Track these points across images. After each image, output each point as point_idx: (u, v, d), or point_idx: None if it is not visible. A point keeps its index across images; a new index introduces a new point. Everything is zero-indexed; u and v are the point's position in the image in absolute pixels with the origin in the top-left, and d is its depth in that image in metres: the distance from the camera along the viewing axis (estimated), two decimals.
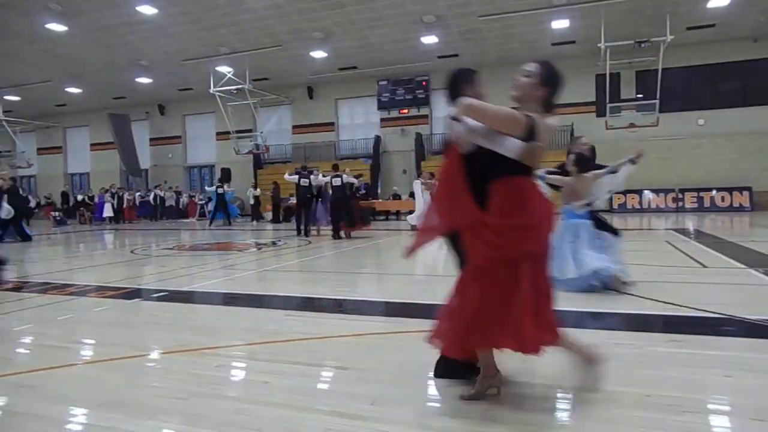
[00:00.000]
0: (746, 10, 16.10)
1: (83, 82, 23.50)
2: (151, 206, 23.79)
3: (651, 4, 15.68)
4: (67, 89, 24.55)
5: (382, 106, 23.32)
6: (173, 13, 16.50)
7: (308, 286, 6.32)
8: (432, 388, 2.80)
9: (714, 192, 18.37)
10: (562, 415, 2.43)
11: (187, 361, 3.28)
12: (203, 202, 23.33)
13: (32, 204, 23.79)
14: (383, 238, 12.32)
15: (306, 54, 20.07)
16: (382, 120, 23.61)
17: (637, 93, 19.39)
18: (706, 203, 18.46)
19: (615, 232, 5.33)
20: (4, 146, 27.59)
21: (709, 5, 15.86)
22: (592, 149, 5.57)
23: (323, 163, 21.67)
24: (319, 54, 20.11)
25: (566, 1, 15.69)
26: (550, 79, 2.44)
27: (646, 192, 18.80)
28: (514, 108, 2.42)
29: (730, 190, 18.22)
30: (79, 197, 23.96)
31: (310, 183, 12.79)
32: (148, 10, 16.05)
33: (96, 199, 22.83)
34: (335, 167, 12.38)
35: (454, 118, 2.45)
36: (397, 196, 20.39)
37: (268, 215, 21.01)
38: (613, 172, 5.22)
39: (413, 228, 13.80)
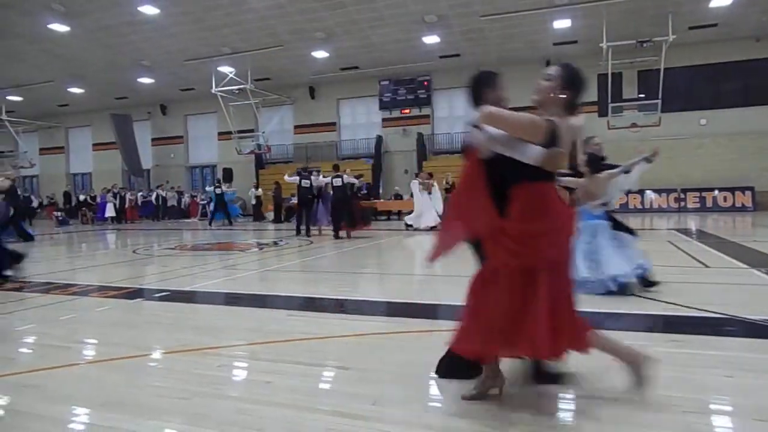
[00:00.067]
0: (748, 9, 16.07)
1: (85, 82, 23.54)
2: (153, 206, 23.82)
3: (653, 3, 15.65)
4: (69, 89, 24.59)
5: (383, 106, 23.32)
6: (175, 13, 16.52)
7: (310, 286, 6.32)
8: (434, 388, 2.80)
9: (716, 192, 18.34)
10: (564, 415, 2.44)
11: (189, 361, 3.29)
12: (205, 202, 23.35)
13: (35, 204, 23.85)
14: (384, 238, 12.32)
15: (308, 54, 20.08)
16: (383, 120, 23.61)
17: (639, 93, 19.36)
18: (708, 203, 18.43)
19: (631, 232, 5.22)
20: (6, 146, 27.67)
21: (712, 5, 15.82)
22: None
23: (325, 163, 21.75)
24: (320, 54, 20.12)
25: (568, 0, 15.67)
26: (571, 82, 2.43)
27: (648, 192, 18.77)
28: (535, 112, 2.42)
29: (732, 190, 18.18)
30: (82, 197, 24.00)
31: (311, 183, 12.84)
32: (149, 10, 16.07)
33: (98, 199, 22.87)
34: (336, 168, 12.45)
35: (475, 126, 2.44)
36: (398, 196, 20.39)
37: (270, 215, 21.04)
38: (627, 171, 5.12)
39: (408, 227, 13.80)
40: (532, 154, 2.34)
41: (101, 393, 2.77)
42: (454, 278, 6.45)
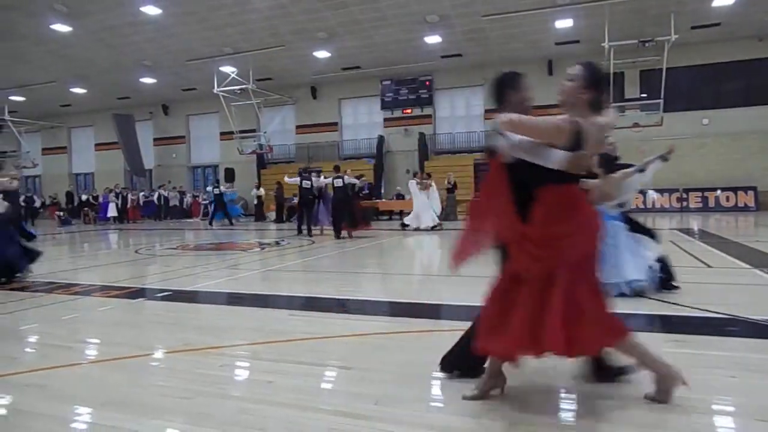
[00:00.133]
0: (751, 9, 16.02)
1: (88, 83, 23.58)
2: (155, 206, 23.85)
3: (655, 3, 15.63)
4: (71, 90, 24.64)
5: (385, 106, 23.31)
6: (177, 14, 16.54)
7: (312, 286, 6.32)
8: (436, 388, 2.80)
9: (718, 192, 18.29)
10: (566, 415, 2.43)
11: (191, 361, 3.29)
12: (207, 202, 23.38)
13: (37, 204, 23.90)
14: (386, 238, 12.32)
15: (310, 54, 20.09)
16: (385, 120, 23.60)
17: (641, 92, 19.32)
18: (711, 203, 18.39)
19: (652, 235, 5.03)
20: (9, 146, 27.73)
21: (714, 4, 15.78)
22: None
23: (326, 163, 21.77)
24: (322, 54, 20.12)
25: (570, 0, 15.65)
26: (594, 81, 2.42)
27: (650, 192, 18.72)
28: (559, 113, 2.41)
29: (734, 189, 18.14)
30: (84, 197, 24.06)
31: (311, 184, 12.92)
32: (152, 10, 16.09)
33: (100, 199, 22.91)
34: (337, 169, 12.54)
35: (497, 132, 2.43)
36: (400, 196, 20.38)
37: (272, 215, 21.05)
38: (641, 170, 4.99)
39: (404, 227, 13.79)
40: (556, 158, 2.32)
41: (103, 392, 2.77)
42: (455, 278, 6.44)
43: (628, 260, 4.68)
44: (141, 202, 23.72)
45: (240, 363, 3.33)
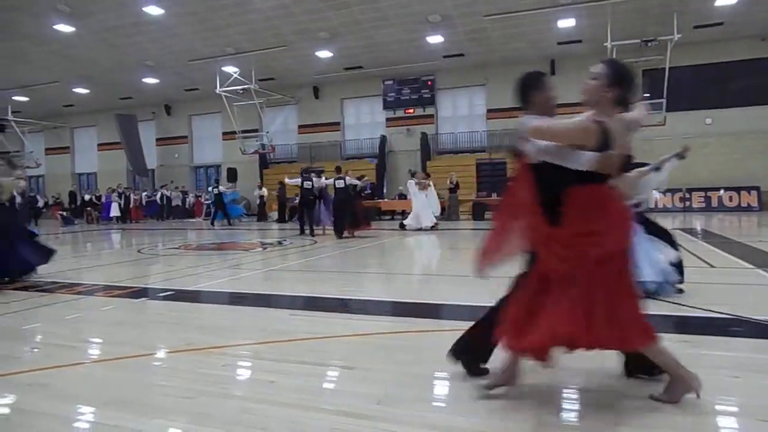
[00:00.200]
0: (754, 8, 15.98)
1: (91, 83, 23.65)
2: (157, 206, 23.90)
3: (658, 2, 15.59)
4: (74, 90, 24.71)
5: (387, 106, 23.31)
6: (179, 14, 16.57)
7: (314, 285, 6.32)
8: (438, 388, 2.80)
9: (722, 192, 18.24)
10: (569, 416, 2.43)
11: (193, 361, 3.30)
12: (209, 201, 23.42)
13: (40, 204, 23.97)
14: (388, 237, 12.32)
15: (312, 54, 20.10)
16: (387, 120, 23.60)
17: (643, 92, 19.28)
18: (714, 203, 18.34)
19: (670, 237, 4.88)
20: (13, 146, 27.80)
21: (717, 3, 15.74)
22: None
23: (329, 163, 21.77)
24: (324, 54, 20.14)
25: (572, 0, 15.63)
26: (618, 78, 2.40)
27: (653, 192, 18.67)
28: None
29: (737, 189, 18.08)
30: (87, 197, 24.12)
31: (312, 185, 13.02)
32: (154, 10, 16.12)
33: (103, 199, 22.97)
34: (338, 169, 12.65)
35: (523, 138, 2.43)
36: (402, 196, 20.38)
37: (274, 215, 21.08)
38: (657, 169, 4.87)
39: (402, 227, 13.78)
40: (584, 160, 2.32)
41: (106, 392, 2.78)
42: (457, 278, 6.45)
43: (642, 262, 4.57)
44: (143, 202, 23.77)
45: (242, 363, 3.34)
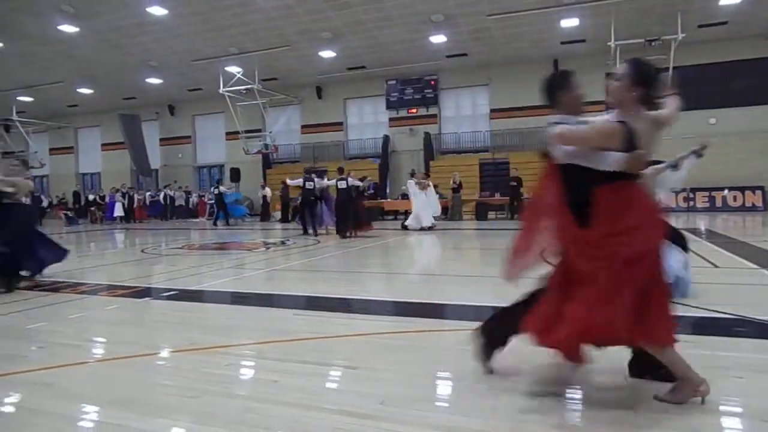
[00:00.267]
0: (758, 7, 15.91)
1: (94, 83, 23.72)
2: (161, 206, 23.96)
3: (662, 2, 15.54)
4: (78, 90, 24.79)
5: (390, 106, 23.31)
6: (183, 14, 16.60)
7: (317, 285, 6.33)
8: (441, 388, 2.80)
9: (726, 191, 18.17)
10: (572, 416, 2.42)
11: (196, 360, 3.31)
12: (212, 201, 23.48)
13: (44, 204, 24.07)
14: (391, 237, 12.32)
15: (315, 54, 20.12)
16: (390, 120, 23.60)
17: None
18: (718, 203, 18.27)
19: (682, 241, 4.76)
20: (17, 146, 27.93)
21: (721, 3, 15.68)
22: None
23: (332, 163, 21.81)
24: (327, 54, 20.14)
25: None
26: (641, 77, 2.40)
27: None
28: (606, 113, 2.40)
29: (742, 189, 18.01)
30: (91, 197, 24.20)
31: (314, 185, 13.17)
32: (158, 11, 16.15)
33: (107, 199, 23.04)
34: (340, 170, 12.79)
35: (551, 140, 2.43)
36: (405, 196, 20.37)
37: (277, 215, 21.11)
38: (674, 166, 4.72)
39: (405, 228, 13.78)
40: (611, 161, 2.31)
41: (110, 391, 2.79)
42: (460, 278, 6.45)
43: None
44: (147, 202, 23.83)
45: (245, 362, 3.34)
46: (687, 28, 16.04)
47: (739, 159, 18.37)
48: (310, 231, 13.05)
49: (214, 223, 18.79)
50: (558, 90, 2.56)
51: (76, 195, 27.15)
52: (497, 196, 18.49)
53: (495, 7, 16.10)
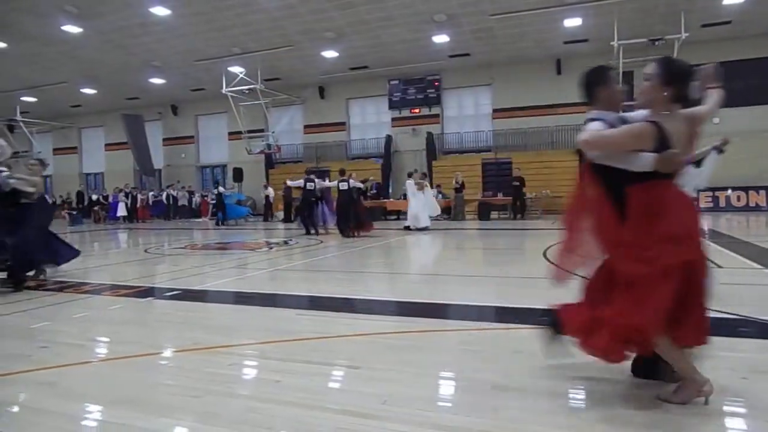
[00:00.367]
0: (762, 6, 15.85)
1: (98, 83, 23.79)
2: (164, 206, 24.00)
3: (665, 1, 15.51)
4: (82, 90, 24.86)
5: (393, 106, 23.30)
6: (186, 14, 16.63)
7: (320, 285, 6.34)
8: (444, 387, 2.80)
9: (729, 191, 18.10)
10: (574, 416, 2.42)
11: (199, 360, 3.31)
12: (215, 201, 23.51)
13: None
14: (393, 237, 12.32)
15: (317, 54, 20.13)
16: (393, 119, 23.59)
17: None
18: (722, 203, 18.20)
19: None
20: (21, 146, 28.01)
21: (725, 2, 15.64)
22: None
23: (334, 163, 21.82)
24: (330, 54, 20.15)
25: None
26: (672, 76, 2.38)
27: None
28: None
29: (745, 189, 17.95)
30: (94, 197, 24.27)
31: (315, 186, 13.38)
32: (161, 11, 16.20)
33: (110, 199, 23.10)
34: (342, 172, 12.99)
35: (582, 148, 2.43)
36: (406, 196, 20.38)
37: (280, 215, 21.14)
38: (696, 163, 4.49)
39: (407, 228, 13.79)
40: (642, 162, 2.30)
41: (113, 390, 2.80)
42: (463, 278, 6.44)
43: None
44: (150, 202, 23.88)
45: (248, 362, 3.35)
46: (690, 27, 16.00)
47: (743, 159, 18.27)
48: (312, 231, 13.17)
49: (217, 223, 18.87)
50: (596, 85, 2.55)
51: (80, 195, 27.22)
52: (500, 196, 18.46)
53: (497, 7, 16.08)
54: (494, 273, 6.90)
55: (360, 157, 23.61)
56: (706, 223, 13.81)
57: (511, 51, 19.73)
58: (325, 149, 24.40)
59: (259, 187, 22.79)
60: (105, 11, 16.11)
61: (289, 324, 4.22)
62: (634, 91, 2.82)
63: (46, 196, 6.99)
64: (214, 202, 23.30)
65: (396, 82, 22.91)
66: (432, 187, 19.00)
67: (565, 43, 18.88)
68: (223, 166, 27.34)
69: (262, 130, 23.60)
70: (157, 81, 23.43)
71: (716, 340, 3.41)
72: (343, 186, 12.55)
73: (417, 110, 23.05)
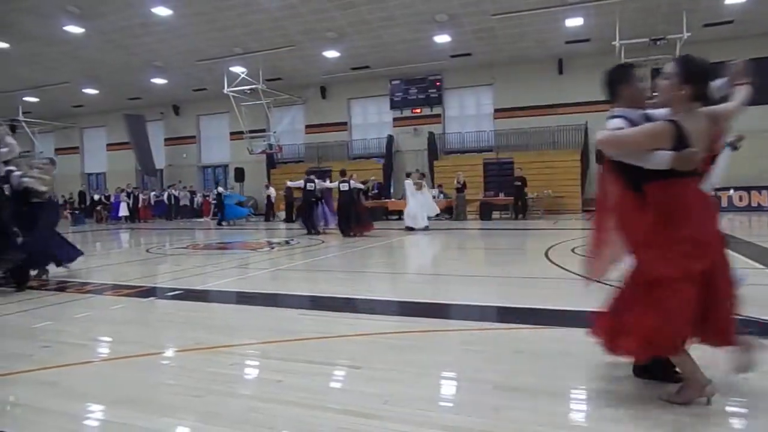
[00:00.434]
0: (764, 6, 15.82)
1: (100, 83, 23.83)
2: (165, 206, 24.04)
3: (667, 1, 15.48)
4: (84, 90, 24.91)
5: (394, 106, 23.30)
6: (187, 14, 16.65)
7: (321, 285, 6.34)
8: (445, 387, 2.80)
9: (731, 191, 18.04)
10: (576, 415, 2.42)
11: (201, 359, 3.31)
12: (215, 201, 23.53)
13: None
14: (395, 237, 12.32)
15: (319, 54, 20.14)
16: (394, 119, 23.59)
17: (652, 91, 19.14)
18: (724, 203, 18.13)
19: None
20: (23, 147, 28.01)
21: (727, 2, 15.61)
22: None
23: (336, 163, 21.82)
24: (331, 54, 20.16)
25: None
26: (690, 75, 2.37)
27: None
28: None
29: (748, 189, 17.91)
30: (96, 197, 24.30)
31: (315, 186, 13.50)
32: (162, 11, 16.22)
33: (112, 199, 23.14)
34: (343, 173, 13.09)
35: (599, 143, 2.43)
36: None
37: (281, 215, 21.15)
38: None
39: (408, 228, 13.79)
40: (658, 160, 2.29)
41: (115, 390, 2.80)
42: (465, 278, 6.44)
43: None
44: (152, 202, 23.92)
45: (250, 362, 3.35)
46: (692, 27, 15.97)
47: (746, 159, 18.10)
48: (313, 231, 13.26)
49: (218, 223, 18.91)
50: (619, 83, 2.54)
51: (82, 195, 27.26)
52: (501, 195, 18.45)
53: (499, 7, 16.07)
54: (496, 273, 6.90)
55: (361, 157, 23.61)
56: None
57: (512, 51, 19.71)
58: (326, 149, 24.41)
59: (260, 187, 22.80)
60: (107, 11, 16.13)
61: (290, 324, 4.22)
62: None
63: (52, 196, 7.01)
64: (215, 201, 23.39)
65: (397, 82, 22.91)
66: (433, 186, 19.05)
67: (567, 42, 18.86)
68: (225, 166, 27.36)
69: (263, 130, 23.62)
70: (158, 81, 23.46)
71: None
72: (344, 187, 12.65)
73: (418, 110, 23.06)
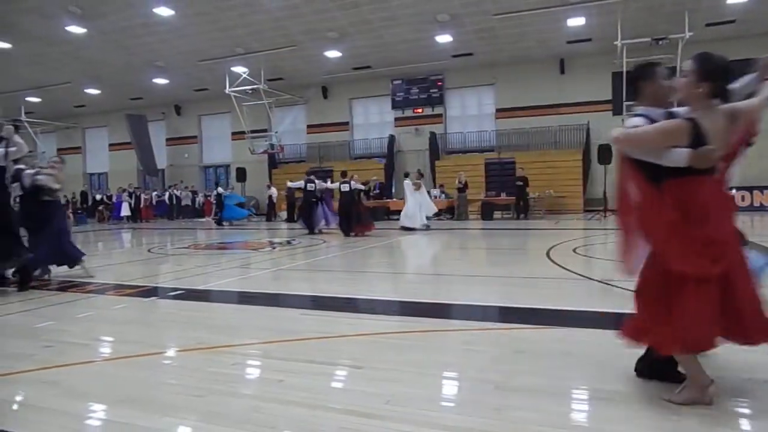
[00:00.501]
0: (766, 5, 15.78)
1: (102, 84, 23.86)
2: (167, 206, 24.08)
3: (669, 0, 15.45)
4: (86, 90, 24.94)
5: (396, 106, 23.30)
6: (189, 15, 16.66)
7: (323, 284, 6.34)
8: (447, 387, 2.80)
9: (733, 191, 17.96)
10: (578, 416, 2.41)
11: (203, 359, 3.32)
12: (216, 201, 23.55)
13: None
14: (396, 237, 12.32)
15: (320, 54, 20.14)
16: (396, 119, 23.59)
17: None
18: None
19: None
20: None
21: (729, 1, 15.56)
22: None
23: (337, 163, 21.84)
24: (333, 54, 20.16)
25: None
26: (708, 72, 2.37)
27: None
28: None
29: (750, 189, 17.87)
30: (98, 197, 24.35)
31: (315, 187, 13.58)
32: (164, 11, 16.23)
33: (114, 199, 23.18)
34: (344, 174, 13.21)
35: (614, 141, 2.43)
36: None
37: (283, 215, 21.16)
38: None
39: (404, 228, 13.80)
40: (676, 157, 2.29)
41: (117, 390, 2.80)
42: (466, 278, 6.44)
43: None
44: (154, 202, 23.97)
45: (251, 362, 3.35)
46: (694, 26, 15.94)
47: (748, 158, 18.05)
48: (316, 231, 13.30)
49: (218, 223, 18.93)
50: (642, 81, 2.54)
51: (84, 195, 27.31)
52: (503, 195, 18.43)
53: (500, 7, 16.05)
54: (497, 273, 6.90)
55: (363, 157, 23.61)
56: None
57: (514, 51, 19.70)
58: (328, 149, 24.42)
59: (262, 187, 22.82)
60: (108, 12, 16.15)
61: (292, 324, 4.22)
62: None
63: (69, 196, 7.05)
64: (216, 202, 23.40)
65: (399, 81, 22.91)
66: (435, 186, 19.05)
67: (569, 42, 18.83)
68: (227, 166, 27.38)
69: (265, 130, 23.63)
70: (160, 81, 23.49)
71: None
72: (345, 188, 12.72)
73: (420, 110, 23.05)
